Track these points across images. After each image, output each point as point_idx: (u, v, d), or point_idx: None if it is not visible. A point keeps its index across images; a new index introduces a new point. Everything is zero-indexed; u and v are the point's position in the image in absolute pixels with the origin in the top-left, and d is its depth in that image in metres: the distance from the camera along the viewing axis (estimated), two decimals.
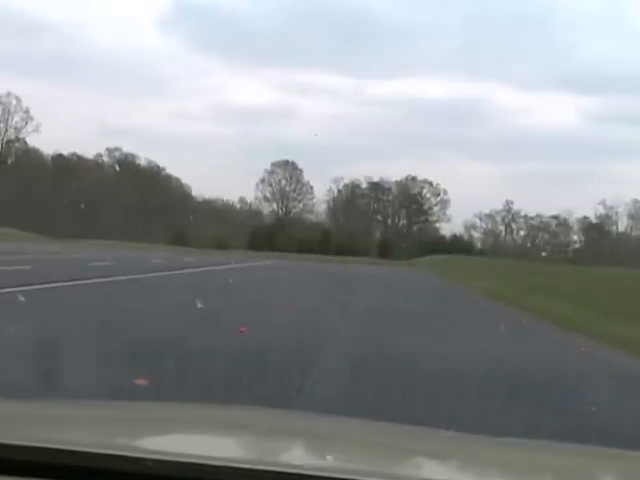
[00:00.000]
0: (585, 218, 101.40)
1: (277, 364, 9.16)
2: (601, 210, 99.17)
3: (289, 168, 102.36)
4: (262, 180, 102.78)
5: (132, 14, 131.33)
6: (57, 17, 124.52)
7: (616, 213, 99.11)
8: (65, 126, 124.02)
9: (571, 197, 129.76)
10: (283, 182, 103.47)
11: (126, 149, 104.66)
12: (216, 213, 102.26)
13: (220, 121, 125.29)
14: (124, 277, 24.78)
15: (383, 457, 2.28)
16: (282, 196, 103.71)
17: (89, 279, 22.09)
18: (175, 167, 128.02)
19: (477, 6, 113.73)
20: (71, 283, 20.18)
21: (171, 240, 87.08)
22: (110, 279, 23.08)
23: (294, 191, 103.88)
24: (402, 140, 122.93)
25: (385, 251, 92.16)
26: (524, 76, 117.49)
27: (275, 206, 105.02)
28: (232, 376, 7.74)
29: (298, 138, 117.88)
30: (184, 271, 33.22)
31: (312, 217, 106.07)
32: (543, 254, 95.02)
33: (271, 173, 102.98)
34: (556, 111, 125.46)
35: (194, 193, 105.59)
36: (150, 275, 27.48)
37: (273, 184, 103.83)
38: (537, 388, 8.84)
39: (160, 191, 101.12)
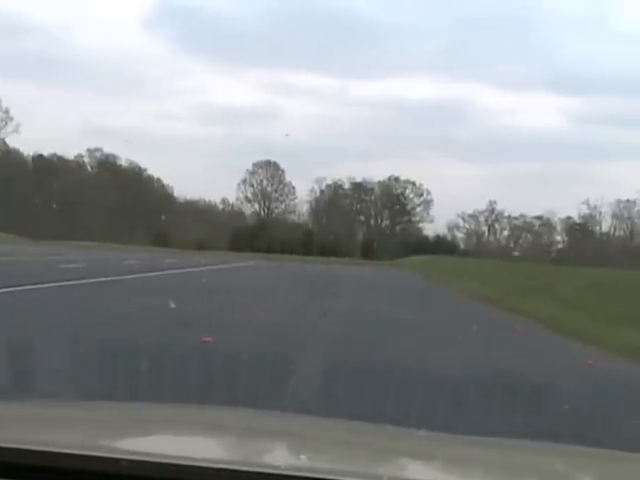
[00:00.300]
0: (569, 218, 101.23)
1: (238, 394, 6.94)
2: (585, 210, 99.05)
3: (271, 168, 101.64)
4: (244, 180, 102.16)
5: (116, 15, 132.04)
6: (41, 18, 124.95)
7: (600, 213, 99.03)
8: (49, 127, 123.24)
9: (555, 197, 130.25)
10: (265, 182, 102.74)
11: (108, 150, 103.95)
12: (199, 214, 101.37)
13: (204, 122, 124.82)
14: (91, 280, 24.09)
15: (359, 457, 2.32)
16: (264, 197, 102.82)
17: (52, 282, 21.45)
18: (158, 168, 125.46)
19: (462, 8, 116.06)
20: (30, 287, 19.37)
21: (153, 241, 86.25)
22: (75, 282, 22.48)
23: (276, 191, 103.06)
24: (387, 141, 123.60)
25: (368, 252, 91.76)
26: (508, 77, 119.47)
27: (257, 207, 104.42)
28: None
29: (282, 139, 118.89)
30: (155, 274, 31.95)
31: (294, 218, 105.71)
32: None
33: (253, 173, 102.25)
34: (540, 112, 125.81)
35: (176, 194, 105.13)
36: (118, 278, 26.80)
37: (255, 184, 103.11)
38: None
39: (142, 192, 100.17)
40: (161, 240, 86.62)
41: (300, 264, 58.07)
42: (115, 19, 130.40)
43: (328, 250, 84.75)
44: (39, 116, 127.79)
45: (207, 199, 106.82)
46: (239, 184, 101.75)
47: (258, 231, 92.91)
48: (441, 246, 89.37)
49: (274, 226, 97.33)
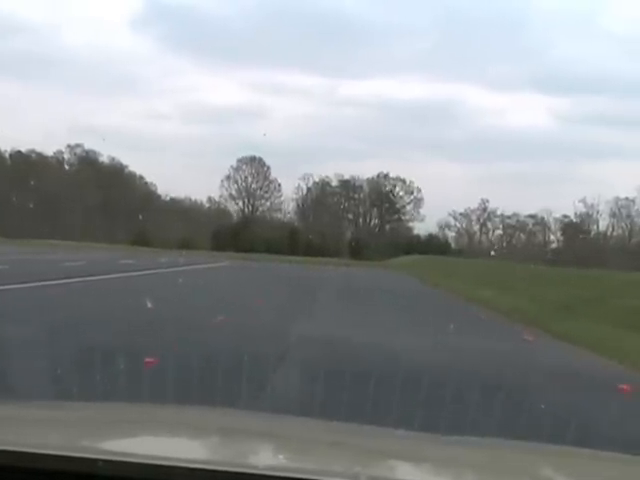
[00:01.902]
0: (565, 217, 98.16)
1: None
2: (582, 208, 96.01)
3: (256, 164, 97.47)
4: (227, 177, 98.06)
5: (103, 13, 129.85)
6: (28, 16, 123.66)
7: (597, 212, 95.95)
8: (35, 126, 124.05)
9: (547, 198, 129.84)
10: (249, 179, 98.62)
11: (90, 146, 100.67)
12: (183, 213, 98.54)
13: (191, 121, 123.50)
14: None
15: (337, 456, 2.32)
16: (248, 194, 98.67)
17: None
18: (145, 167, 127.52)
19: (450, 7, 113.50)
20: None
21: (133, 240, 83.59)
22: None
23: (261, 189, 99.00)
24: (375, 141, 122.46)
25: (356, 251, 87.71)
26: (497, 77, 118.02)
27: (241, 204, 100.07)
28: None
29: (270, 138, 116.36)
30: (84, 279, 27.17)
31: (280, 216, 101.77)
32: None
33: (237, 170, 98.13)
34: (529, 111, 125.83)
35: (161, 192, 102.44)
36: (49, 283, 23.66)
37: (239, 181, 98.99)
38: None
39: (123, 190, 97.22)
40: (141, 239, 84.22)
41: (280, 264, 54.37)
42: (102, 18, 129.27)
43: (315, 250, 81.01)
44: (24, 115, 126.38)
45: (193, 198, 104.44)
46: (222, 181, 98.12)
47: (241, 230, 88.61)
48: (433, 246, 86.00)
49: (258, 224, 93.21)
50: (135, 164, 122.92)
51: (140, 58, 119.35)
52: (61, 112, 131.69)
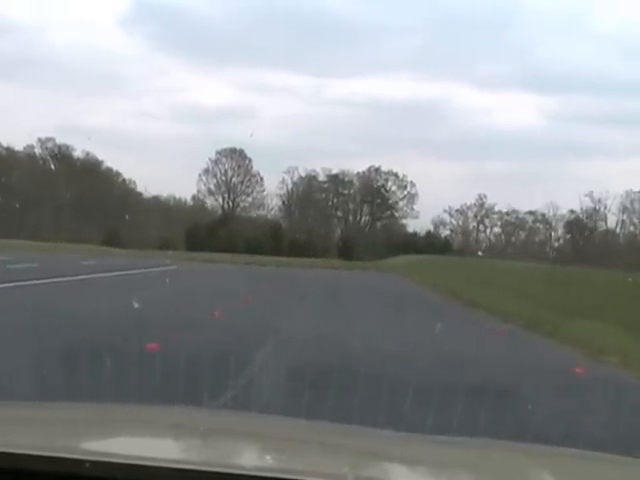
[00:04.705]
0: (572, 212, 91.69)
1: None
2: (589, 203, 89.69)
3: (236, 157, 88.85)
4: (206, 171, 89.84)
5: (90, 13, 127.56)
6: (15, 17, 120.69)
7: (605, 207, 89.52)
8: (20, 125, 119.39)
9: (546, 195, 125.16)
10: (229, 173, 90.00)
11: (63, 141, 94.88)
12: (164, 211, 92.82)
13: (178, 120, 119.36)
14: None
15: (325, 457, 2.30)
16: (228, 189, 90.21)
17: None
18: (135, 167, 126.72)
19: (439, 6, 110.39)
20: None
21: (104, 241, 79.01)
22: None
23: (242, 183, 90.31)
24: (364, 140, 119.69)
25: (346, 251, 79.99)
26: (487, 75, 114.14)
27: (220, 200, 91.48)
28: None
29: (258, 138, 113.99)
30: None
31: (263, 213, 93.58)
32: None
33: (216, 163, 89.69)
34: (520, 110, 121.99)
35: (142, 190, 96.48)
36: None
37: (218, 175, 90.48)
38: None
39: (98, 186, 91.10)
40: (114, 239, 79.40)
41: (245, 269, 46.68)
42: (89, 17, 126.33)
43: (300, 249, 73.49)
44: (10, 115, 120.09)
45: (178, 196, 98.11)
46: (200, 175, 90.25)
47: (218, 228, 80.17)
48: (433, 244, 78.94)
49: (238, 222, 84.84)
50: (120, 163, 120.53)
51: (128, 57, 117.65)
52: (47, 112, 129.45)
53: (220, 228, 79.54)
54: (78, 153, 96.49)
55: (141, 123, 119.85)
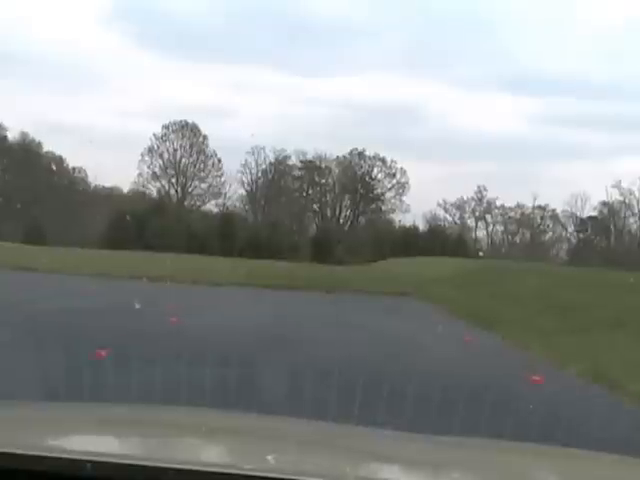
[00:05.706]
0: (604, 203, 77.00)
1: None
2: (616, 195, 75.45)
3: (188, 132, 71.37)
4: (149, 150, 72.26)
5: (67, 9, 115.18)
6: None
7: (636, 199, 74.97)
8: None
9: (541, 197, 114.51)
10: (179, 153, 72.07)
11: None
12: (105, 201, 78.01)
13: (157, 119, 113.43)
14: None
15: (325, 457, 2.31)
16: (177, 172, 72.21)
17: None
18: (107, 166, 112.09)
19: (420, 7, 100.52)
20: None
21: (25, 236, 67.91)
22: None
23: (194, 165, 72.74)
24: (343, 139, 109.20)
25: (321, 251, 62.74)
26: (466, 77, 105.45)
27: (166, 185, 72.88)
28: None
29: (235, 137, 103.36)
30: None
31: (220, 202, 76.78)
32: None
33: (162, 140, 71.88)
34: (501, 112, 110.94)
35: (92, 180, 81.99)
36: None
37: (165, 155, 72.67)
38: None
39: (35, 174, 79.33)
40: (35, 234, 67.88)
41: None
42: (66, 13, 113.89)
43: (262, 248, 57.13)
44: None
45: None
46: (142, 154, 73.06)
47: (151, 219, 61.33)
48: (444, 245, 62.60)
49: (181, 213, 67.55)
50: (82, 158, 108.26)
51: (104, 54, 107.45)
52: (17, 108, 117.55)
53: (153, 220, 61.47)
54: (14, 134, 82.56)
55: (115, 121, 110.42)
